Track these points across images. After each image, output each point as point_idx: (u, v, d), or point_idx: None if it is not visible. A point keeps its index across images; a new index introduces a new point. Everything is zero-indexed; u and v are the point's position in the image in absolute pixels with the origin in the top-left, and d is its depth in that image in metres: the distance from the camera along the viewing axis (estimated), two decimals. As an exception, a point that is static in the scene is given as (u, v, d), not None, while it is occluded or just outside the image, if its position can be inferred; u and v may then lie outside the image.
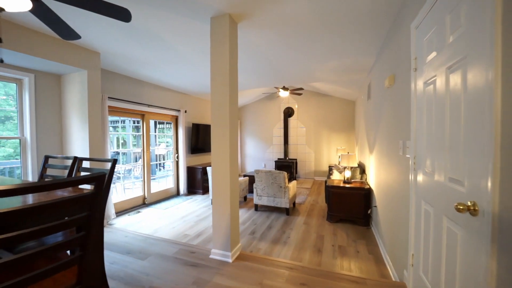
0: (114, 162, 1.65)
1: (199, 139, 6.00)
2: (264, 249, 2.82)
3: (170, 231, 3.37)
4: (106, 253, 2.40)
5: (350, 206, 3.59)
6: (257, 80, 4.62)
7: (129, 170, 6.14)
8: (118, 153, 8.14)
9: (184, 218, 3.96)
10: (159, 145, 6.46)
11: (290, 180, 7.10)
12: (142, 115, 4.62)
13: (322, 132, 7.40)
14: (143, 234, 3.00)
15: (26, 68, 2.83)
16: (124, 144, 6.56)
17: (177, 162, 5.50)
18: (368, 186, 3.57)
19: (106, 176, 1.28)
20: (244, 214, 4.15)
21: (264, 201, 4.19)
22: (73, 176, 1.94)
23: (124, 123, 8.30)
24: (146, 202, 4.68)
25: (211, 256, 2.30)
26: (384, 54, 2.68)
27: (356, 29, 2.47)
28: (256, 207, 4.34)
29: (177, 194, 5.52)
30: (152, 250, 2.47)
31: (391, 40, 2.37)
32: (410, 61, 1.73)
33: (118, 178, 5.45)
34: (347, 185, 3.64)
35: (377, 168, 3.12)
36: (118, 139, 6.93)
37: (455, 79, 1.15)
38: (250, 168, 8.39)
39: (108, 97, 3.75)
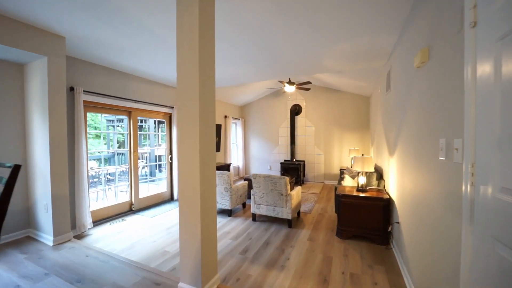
0: (15, 168, 1.14)
1: (196, 139, 5.51)
2: (255, 276, 2.24)
3: (148, 246, 2.87)
4: (50, 280, 1.92)
5: (365, 219, 2.94)
6: (254, 71, 4.05)
7: (126, 172, 5.76)
8: (114, 154, 7.77)
9: (170, 229, 3.46)
10: (161, 145, 6.04)
11: (296, 184, 6.48)
12: (129, 112, 4.18)
13: (332, 131, 6.71)
14: (109, 253, 2.51)
15: (-22, 55, 2.43)
16: (123, 144, 6.22)
17: (171, 164, 5.03)
18: (388, 196, 2.90)
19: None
20: (239, 225, 3.59)
21: (263, 210, 3.61)
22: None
23: (123, 122, 7.94)
24: (133, 209, 4.23)
25: (179, 291, 1.76)
26: (413, 24, 2.03)
27: (374, -10, 1.85)
28: (254, 217, 3.76)
29: (171, 199, 5.05)
30: (108, 279, 1.96)
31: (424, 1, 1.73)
32: (460, 17, 1.11)
33: (111, 181, 5.07)
34: (362, 194, 2.99)
35: (400, 174, 2.46)
36: (118, 139, 6.60)
37: None
38: (255, 171, 7.82)
39: (84, 91, 3.32)
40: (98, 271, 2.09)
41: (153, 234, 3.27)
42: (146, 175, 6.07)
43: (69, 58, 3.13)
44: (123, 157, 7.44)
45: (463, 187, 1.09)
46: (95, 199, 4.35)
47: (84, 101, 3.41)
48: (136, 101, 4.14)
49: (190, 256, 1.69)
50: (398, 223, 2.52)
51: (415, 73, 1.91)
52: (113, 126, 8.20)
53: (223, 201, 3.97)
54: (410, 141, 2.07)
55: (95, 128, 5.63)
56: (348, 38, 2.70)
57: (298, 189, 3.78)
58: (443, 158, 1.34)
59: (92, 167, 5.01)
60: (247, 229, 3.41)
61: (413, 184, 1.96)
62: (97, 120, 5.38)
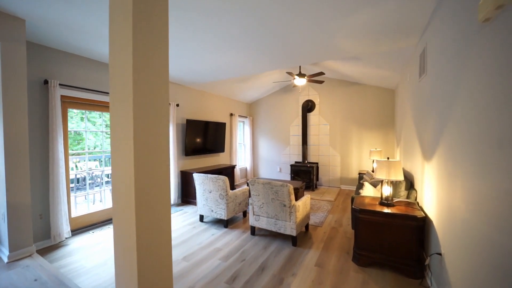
0: None
1: (195, 138, 5.06)
2: (239, 321, 1.68)
3: (121, 266, 2.41)
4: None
5: (391, 243, 2.25)
6: (253, 58, 3.47)
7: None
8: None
9: (155, 241, 2.99)
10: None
11: (308, 189, 5.80)
12: (118, 109, 3.79)
13: (350, 130, 5.93)
14: (64, 277, 2.08)
15: None
16: None
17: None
18: (422, 214, 2.19)
19: None
20: (234, 239, 3.04)
21: (262, 223, 3.03)
22: None
23: None
24: (123, 215, 3.84)
25: None
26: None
27: None
28: (253, 231, 3.19)
29: (168, 203, 4.62)
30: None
31: None
32: None
33: (104, 184, 4.76)
34: (386, 210, 2.31)
35: (443, 187, 1.76)
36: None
37: None
38: (263, 173, 7.25)
39: (61, 85, 2.95)
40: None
41: (134, 248, 2.82)
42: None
43: (41, 47, 2.78)
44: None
45: None
46: (93, 201, 4.03)
47: (64, 96, 3.05)
48: (125, 97, 3.74)
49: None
50: (440, 254, 1.82)
51: (477, 33, 1.23)
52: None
53: (218, 210, 3.44)
54: (466, 142, 1.39)
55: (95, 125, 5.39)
56: (367, 3, 2.03)
57: (305, 198, 3.14)
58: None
59: (90, 168, 4.75)
60: (242, 246, 2.85)
61: (473, 205, 1.28)
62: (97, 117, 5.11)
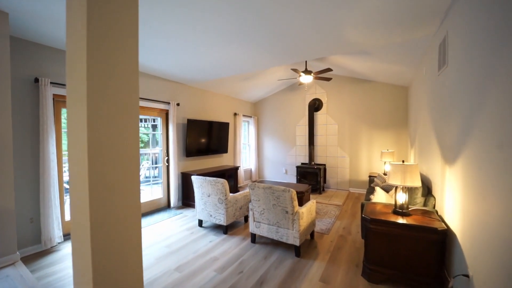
0: None
1: (197, 139, 4.89)
2: None
3: (110, 276, 2.24)
4: None
5: (406, 257, 1.98)
6: (253, 53, 3.26)
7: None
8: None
9: (150, 247, 2.82)
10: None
11: (315, 191, 5.52)
12: (115, 108, 3.66)
13: (360, 130, 5.62)
14: None
15: None
16: (148, 144, 5.92)
17: (168, 167, 4.46)
18: (443, 226, 1.90)
19: None
20: (233, 247, 2.83)
21: (263, 230, 2.81)
22: None
23: (147, 122, 7.73)
24: (120, 218, 3.70)
25: None
26: None
27: None
28: (254, 238, 2.97)
29: (168, 206, 4.47)
30: None
31: None
32: None
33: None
34: (401, 220, 2.04)
35: (473, 195, 1.49)
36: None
37: None
38: (268, 175, 7.01)
39: (53, 83, 2.83)
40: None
41: (126, 255, 2.66)
42: (149, 178, 5.63)
43: (31, 44, 2.66)
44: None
45: None
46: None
47: (56, 95, 2.93)
48: (122, 96, 3.60)
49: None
50: (467, 276, 1.54)
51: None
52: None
53: (216, 215, 3.24)
54: (509, 145, 1.12)
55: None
56: (381, -15, 1.77)
57: (310, 204, 2.89)
58: None
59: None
60: (241, 255, 2.64)
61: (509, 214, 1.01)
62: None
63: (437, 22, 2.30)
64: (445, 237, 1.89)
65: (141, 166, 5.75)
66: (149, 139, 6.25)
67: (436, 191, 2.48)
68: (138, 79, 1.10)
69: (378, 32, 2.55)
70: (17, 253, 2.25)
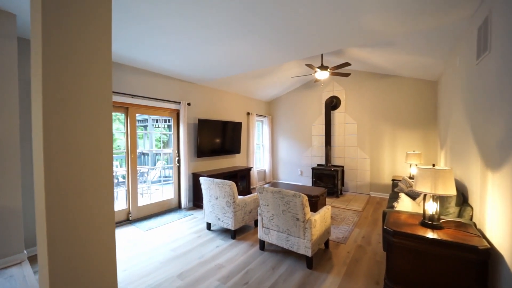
0: None
1: (208, 139, 4.79)
2: None
3: (111, 280, 2.18)
4: None
5: (435, 279, 1.68)
6: (263, 47, 3.06)
7: (141, 173, 5.43)
8: (142, 154, 7.68)
9: (156, 249, 2.75)
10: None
11: (331, 195, 5.19)
12: (125, 109, 3.66)
13: (382, 129, 5.19)
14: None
15: None
16: (167, 144, 6.05)
17: (179, 168, 4.41)
18: (486, 245, 1.57)
19: None
20: (241, 254, 2.66)
21: (272, 238, 2.61)
22: None
23: (164, 122, 7.86)
24: (131, 218, 3.71)
25: None
26: None
27: None
28: (262, 245, 2.78)
29: (178, 207, 4.43)
30: None
31: None
32: None
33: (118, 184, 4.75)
34: (431, 234, 1.73)
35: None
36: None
37: None
38: (283, 176, 6.78)
39: (63, 84, 2.86)
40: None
41: (132, 256, 2.60)
42: (160, 179, 5.66)
43: (43, 45, 2.69)
44: (146, 157, 7.30)
45: None
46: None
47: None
48: (133, 96, 3.60)
49: None
50: (519, 311, 1.23)
51: None
52: (143, 126, 8.22)
53: (224, 219, 3.10)
54: None
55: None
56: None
57: (324, 211, 2.64)
58: None
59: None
60: (247, 264, 2.46)
61: None
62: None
63: (475, 1, 1.95)
64: (487, 257, 1.56)
65: (156, 166, 5.79)
66: (167, 139, 6.30)
67: (473, 200, 2.12)
68: (111, 71, 0.97)
69: (401, 18, 2.24)
70: (24, 252, 2.26)
